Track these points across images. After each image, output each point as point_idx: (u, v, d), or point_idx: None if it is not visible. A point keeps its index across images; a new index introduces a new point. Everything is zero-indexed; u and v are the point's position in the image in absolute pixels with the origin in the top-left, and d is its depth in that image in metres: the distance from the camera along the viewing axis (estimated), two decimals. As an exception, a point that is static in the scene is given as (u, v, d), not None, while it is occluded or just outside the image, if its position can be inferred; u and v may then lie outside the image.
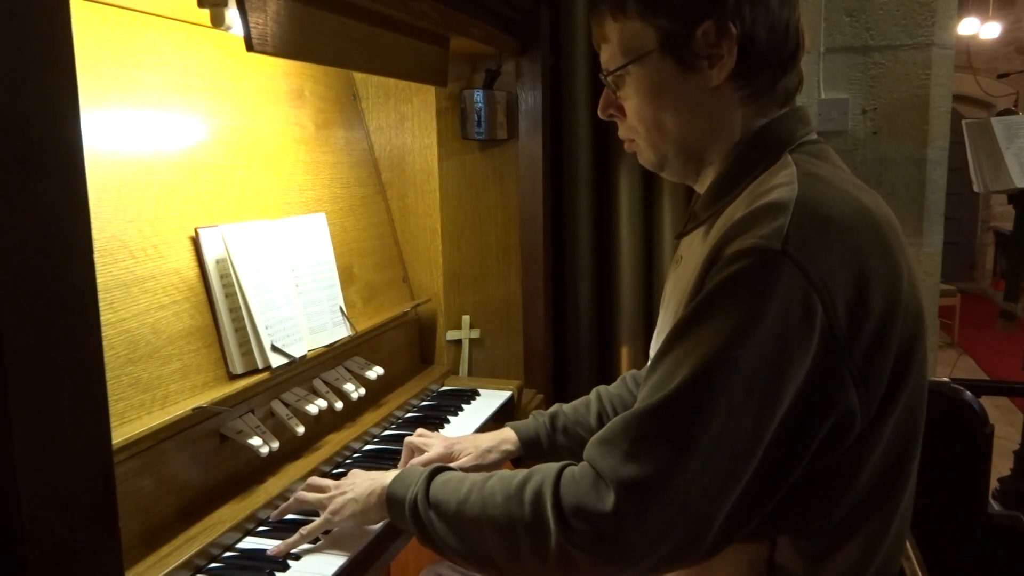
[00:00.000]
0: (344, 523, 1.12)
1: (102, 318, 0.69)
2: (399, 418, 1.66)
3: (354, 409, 1.55)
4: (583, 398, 1.40)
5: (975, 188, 2.91)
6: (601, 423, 1.31)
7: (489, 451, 1.30)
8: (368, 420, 1.56)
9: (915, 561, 1.12)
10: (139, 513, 1.07)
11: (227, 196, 1.37)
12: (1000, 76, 5.76)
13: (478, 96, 1.91)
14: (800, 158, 0.94)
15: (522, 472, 0.94)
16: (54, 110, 0.56)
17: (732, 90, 0.97)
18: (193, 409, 1.14)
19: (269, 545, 1.12)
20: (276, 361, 1.32)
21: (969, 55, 5.61)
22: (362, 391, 1.53)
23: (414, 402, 1.74)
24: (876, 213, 0.89)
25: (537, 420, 1.35)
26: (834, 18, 2.31)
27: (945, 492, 1.56)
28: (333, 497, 1.13)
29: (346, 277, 1.64)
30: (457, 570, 1.37)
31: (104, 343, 0.66)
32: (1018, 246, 3.12)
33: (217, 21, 1.15)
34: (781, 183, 0.88)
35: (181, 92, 1.31)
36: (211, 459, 1.21)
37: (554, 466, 0.91)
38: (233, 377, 1.27)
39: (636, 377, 1.41)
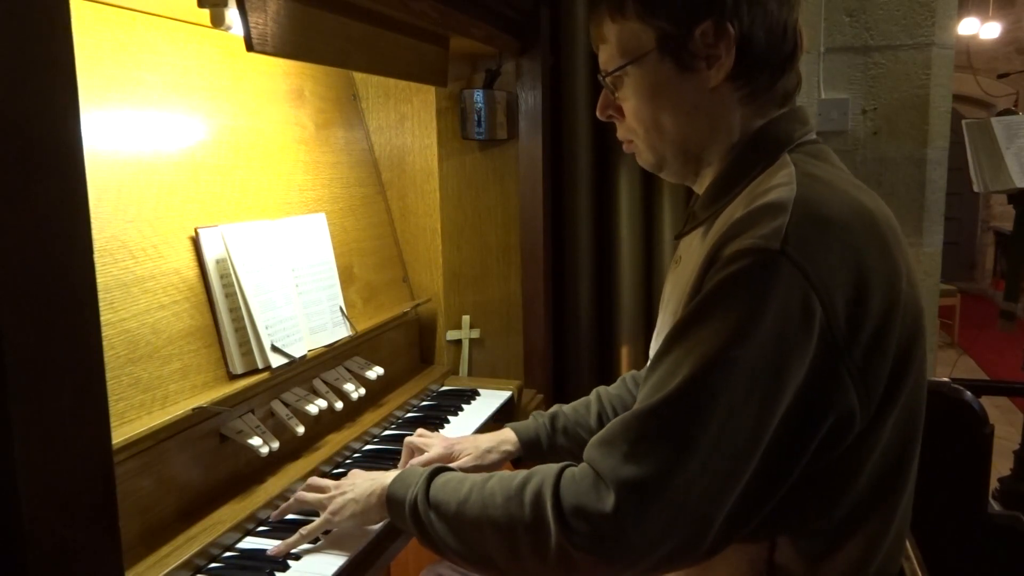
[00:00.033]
0: (344, 523, 1.12)
1: (102, 318, 0.69)
2: (399, 418, 1.66)
3: (354, 409, 1.55)
4: (583, 399, 1.40)
5: (975, 188, 2.91)
6: (601, 424, 1.31)
7: (489, 451, 1.30)
8: (368, 420, 1.56)
9: (915, 561, 1.12)
10: (139, 513, 1.07)
11: (227, 196, 1.37)
12: (1000, 76, 5.76)
13: (478, 96, 1.91)
14: (799, 158, 0.94)
15: (522, 473, 0.94)
16: (54, 110, 0.56)
17: (730, 90, 0.97)
18: (193, 409, 1.14)
19: (269, 545, 1.12)
20: (276, 361, 1.32)
21: (969, 55, 5.61)
22: (362, 391, 1.53)
23: (414, 402, 1.74)
24: (875, 213, 0.89)
25: (537, 421, 1.35)
26: (834, 18, 2.31)
27: (945, 492, 1.56)
28: (333, 497, 1.13)
29: (346, 277, 1.64)
30: (457, 570, 1.37)
31: (104, 343, 0.66)
32: (1018, 246, 3.12)
33: (217, 21, 1.15)
34: (780, 183, 0.88)
35: (181, 92, 1.31)
36: (211, 459, 1.21)
37: (554, 467, 0.91)
38: (233, 377, 1.27)
39: (636, 378, 1.41)
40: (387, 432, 1.59)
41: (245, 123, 1.46)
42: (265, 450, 1.25)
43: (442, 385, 1.90)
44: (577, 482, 0.86)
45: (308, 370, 1.46)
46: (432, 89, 1.88)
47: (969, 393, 1.57)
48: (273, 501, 1.22)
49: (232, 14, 1.12)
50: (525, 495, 0.89)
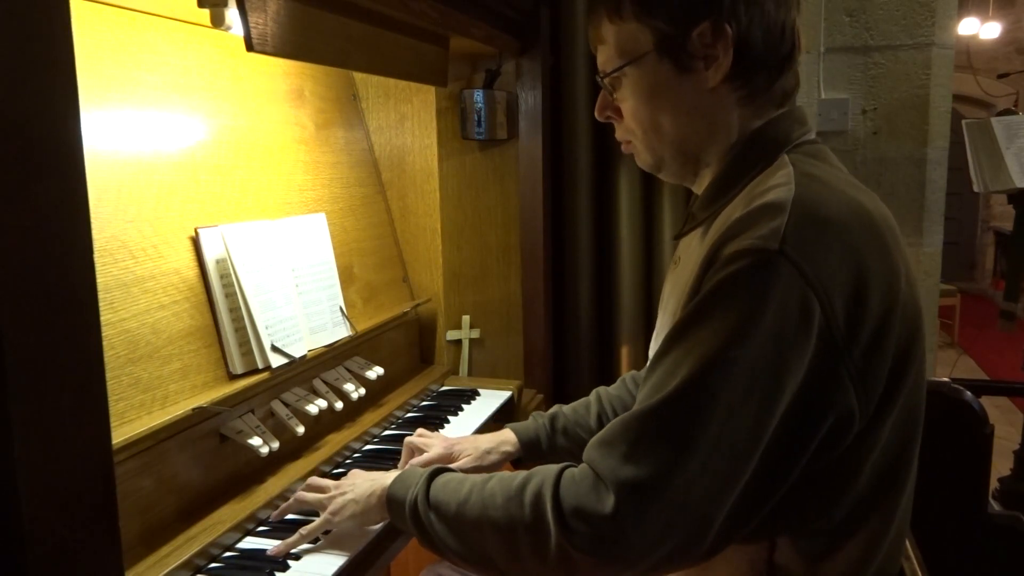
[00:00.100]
0: (344, 523, 1.12)
1: (102, 318, 0.69)
2: (399, 418, 1.66)
3: (354, 409, 1.55)
4: (583, 399, 1.40)
5: (975, 188, 2.91)
6: (601, 424, 1.31)
7: (489, 452, 1.30)
8: (368, 420, 1.56)
9: (915, 561, 1.12)
10: (139, 513, 1.07)
11: (227, 196, 1.37)
12: (1000, 76, 5.76)
13: (478, 96, 1.91)
14: (797, 158, 0.94)
15: (522, 474, 0.94)
16: (54, 110, 0.56)
17: (728, 91, 0.97)
18: (193, 409, 1.14)
19: (269, 545, 1.12)
20: (276, 361, 1.32)
21: (969, 55, 5.61)
22: (362, 391, 1.53)
23: (414, 402, 1.74)
24: (874, 213, 0.89)
25: (537, 421, 1.35)
26: (834, 18, 2.31)
27: (945, 492, 1.56)
28: (333, 497, 1.13)
29: (346, 277, 1.64)
30: (457, 570, 1.37)
31: (104, 343, 0.66)
32: (1018, 246, 3.13)
33: (217, 21, 1.15)
34: (778, 183, 0.88)
35: (181, 92, 1.31)
36: (211, 459, 1.21)
37: (554, 468, 0.91)
38: (233, 377, 1.27)
39: (636, 378, 1.41)
40: (387, 432, 1.59)
41: (245, 123, 1.46)
42: (265, 450, 1.25)
43: (442, 385, 1.90)
44: (577, 483, 0.86)
45: (308, 370, 1.46)
46: (432, 89, 1.88)
47: (969, 393, 1.57)
48: (273, 501, 1.22)
49: (232, 14, 1.12)
50: (525, 496, 0.89)
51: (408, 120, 1.90)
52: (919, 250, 2.34)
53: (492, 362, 2.08)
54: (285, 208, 1.52)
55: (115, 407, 1.04)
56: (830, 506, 0.89)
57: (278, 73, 1.58)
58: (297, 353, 1.38)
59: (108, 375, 0.83)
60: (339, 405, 1.45)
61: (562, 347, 2.28)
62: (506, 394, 1.83)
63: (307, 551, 1.10)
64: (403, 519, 1.03)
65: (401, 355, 1.85)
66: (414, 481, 1.03)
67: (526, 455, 1.33)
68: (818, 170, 0.92)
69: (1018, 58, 7.62)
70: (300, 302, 1.44)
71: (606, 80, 1.04)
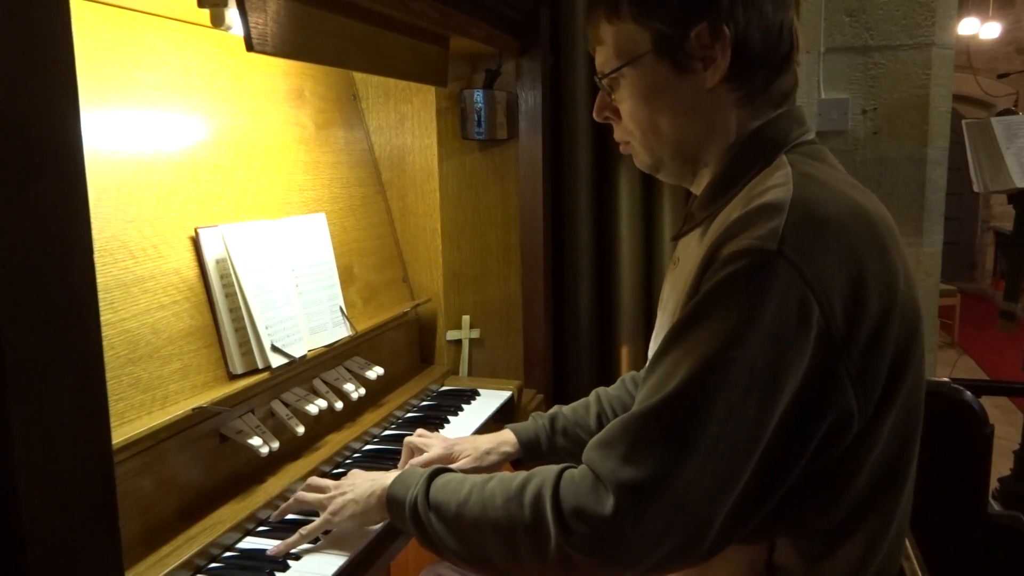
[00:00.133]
0: (344, 524, 1.12)
1: (102, 318, 0.69)
2: (399, 418, 1.66)
3: (354, 409, 1.55)
4: (583, 400, 1.40)
5: (975, 188, 2.91)
6: (601, 425, 1.31)
7: (488, 453, 1.30)
8: (368, 420, 1.56)
9: (915, 561, 1.12)
10: (139, 513, 1.07)
11: (227, 196, 1.37)
12: (1000, 76, 5.76)
13: (478, 96, 1.91)
14: (795, 159, 0.94)
15: (522, 474, 0.94)
16: (54, 110, 0.56)
17: (727, 92, 0.97)
18: (193, 409, 1.14)
19: (269, 545, 1.12)
20: (276, 361, 1.32)
21: (969, 55, 5.61)
22: (362, 391, 1.53)
23: (414, 402, 1.74)
24: (872, 213, 0.89)
25: (536, 422, 1.35)
26: (834, 18, 2.31)
27: (945, 492, 1.56)
28: (333, 497, 1.13)
29: (346, 277, 1.64)
30: (457, 571, 1.37)
31: (104, 343, 0.66)
32: (1018, 246, 3.13)
33: (217, 21, 1.15)
34: (776, 184, 0.88)
35: (181, 92, 1.31)
36: (211, 459, 1.21)
37: (554, 468, 0.91)
38: (233, 377, 1.27)
39: (636, 378, 1.41)
40: (387, 432, 1.59)
41: (245, 123, 1.46)
42: (265, 450, 1.25)
43: (442, 385, 1.90)
44: (576, 484, 0.86)
45: (308, 370, 1.46)
46: (432, 89, 1.88)
47: (969, 393, 1.57)
48: (273, 501, 1.22)
49: (232, 14, 1.12)
50: (525, 497, 0.89)
51: (408, 120, 1.90)
52: (919, 250, 2.34)
53: (492, 362, 2.08)
54: (285, 208, 1.52)
55: (115, 407, 1.04)
56: (829, 506, 0.89)
57: (278, 73, 1.58)
58: (297, 353, 1.38)
59: (108, 375, 0.83)
60: (339, 405, 1.45)
61: (562, 347, 2.28)
62: (506, 394, 1.83)
63: (307, 551, 1.11)
64: (403, 519, 1.03)
65: (401, 355, 1.85)
66: (414, 481, 1.03)
67: (526, 456, 1.33)
68: (816, 170, 0.92)
69: (1018, 58, 7.62)
70: (300, 302, 1.44)
71: (604, 81, 1.04)
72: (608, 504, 0.82)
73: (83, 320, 0.59)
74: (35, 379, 0.55)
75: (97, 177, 1.11)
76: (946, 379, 1.66)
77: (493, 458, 1.30)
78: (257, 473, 1.29)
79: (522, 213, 1.99)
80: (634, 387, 1.39)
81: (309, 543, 1.11)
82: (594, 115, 1.09)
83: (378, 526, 1.14)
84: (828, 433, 0.84)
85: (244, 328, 1.29)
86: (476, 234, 2.04)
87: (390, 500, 1.06)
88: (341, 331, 1.53)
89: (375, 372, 1.60)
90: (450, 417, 1.68)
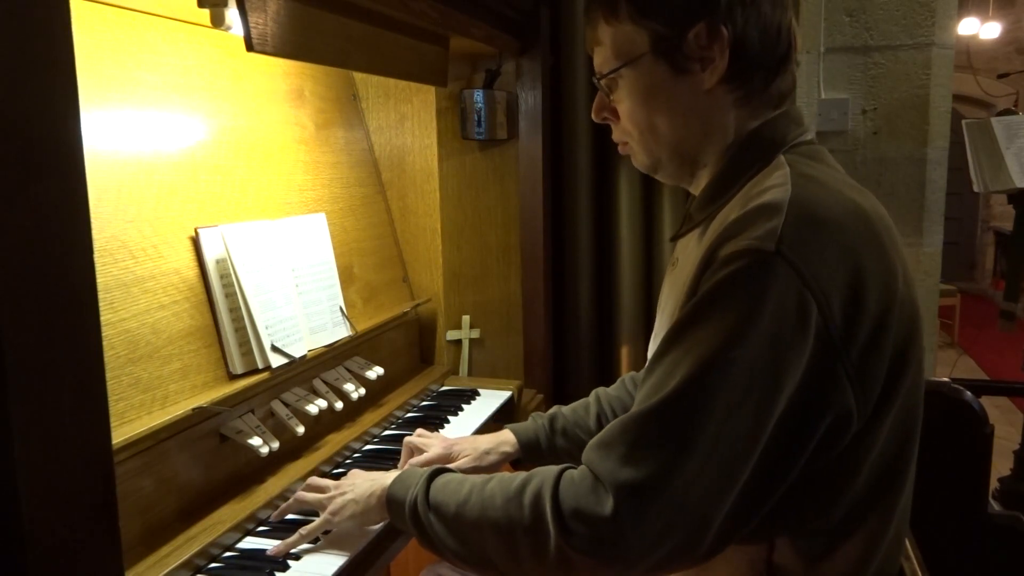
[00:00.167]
0: (344, 524, 1.12)
1: (102, 318, 0.69)
2: (399, 418, 1.66)
3: (354, 409, 1.55)
4: (582, 400, 1.40)
5: (975, 188, 2.91)
6: (600, 425, 1.31)
7: (487, 453, 1.30)
8: (368, 420, 1.56)
9: (915, 561, 1.12)
10: (139, 513, 1.07)
11: (227, 196, 1.37)
12: (1000, 76, 5.76)
13: (478, 96, 1.91)
14: (794, 159, 0.94)
15: (522, 475, 0.94)
16: (54, 110, 0.56)
17: (725, 92, 0.97)
18: (193, 409, 1.14)
19: (269, 545, 1.12)
20: (276, 361, 1.32)
21: (969, 55, 5.61)
22: (362, 391, 1.53)
23: (414, 402, 1.74)
24: (870, 213, 0.89)
25: (536, 422, 1.35)
26: (834, 18, 2.31)
27: (945, 492, 1.56)
28: (333, 497, 1.13)
29: (346, 277, 1.64)
30: (457, 571, 1.37)
31: (104, 343, 0.66)
32: (1018, 246, 3.13)
33: (217, 21, 1.15)
34: (775, 184, 0.88)
35: (181, 92, 1.31)
36: (211, 459, 1.21)
37: (553, 469, 0.91)
38: (233, 377, 1.27)
39: (635, 379, 1.41)
40: (387, 432, 1.59)
41: (245, 123, 1.46)
42: (265, 450, 1.25)
43: (442, 385, 1.90)
44: (576, 485, 0.86)
45: (308, 370, 1.46)
46: (432, 89, 1.88)
47: (969, 393, 1.57)
48: (273, 501, 1.22)
49: (232, 14, 1.12)
50: (524, 497, 0.89)
51: (408, 120, 1.91)
52: (919, 250, 2.34)
53: (492, 362, 2.08)
54: (285, 208, 1.52)
55: (115, 407, 1.04)
56: (829, 506, 0.89)
57: (278, 73, 1.58)
58: (297, 353, 1.38)
59: (108, 375, 0.83)
60: (339, 405, 1.45)
61: (562, 347, 2.28)
62: (506, 394, 1.83)
63: (307, 551, 1.11)
64: (403, 519, 1.03)
65: (401, 355, 1.85)
66: (414, 481, 1.03)
67: (525, 456, 1.33)
68: (814, 170, 0.92)
69: (1018, 58, 7.61)
70: (300, 302, 1.44)
71: (602, 82, 1.04)
72: (608, 505, 0.82)
73: (83, 320, 0.59)
74: (35, 379, 0.55)
75: (97, 177, 1.11)
76: (946, 379, 1.66)
77: (492, 458, 1.30)
78: (257, 473, 1.29)
79: (522, 213, 1.99)
80: (634, 387, 1.39)
81: (309, 543, 1.11)
82: (592, 116, 1.09)
83: (378, 526, 1.14)
84: (827, 433, 0.84)
85: (244, 328, 1.29)
86: (476, 234, 2.04)
87: (390, 500, 1.06)
88: (341, 331, 1.53)
89: (375, 372, 1.60)
90: (450, 417, 1.68)
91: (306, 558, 1.09)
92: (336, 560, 1.09)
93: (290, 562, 1.08)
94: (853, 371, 0.83)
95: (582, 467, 0.88)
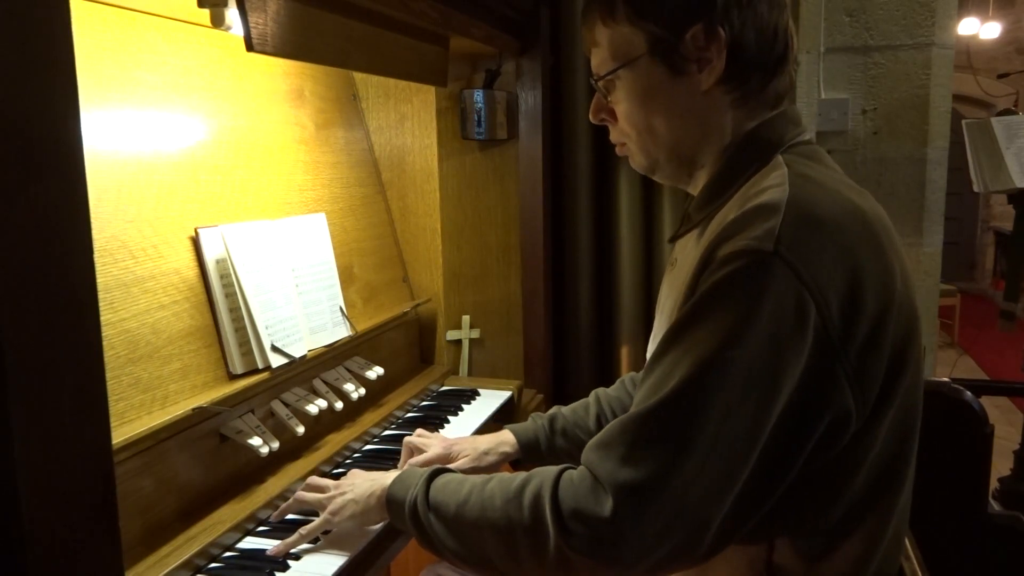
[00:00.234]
0: (344, 524, 1.12)
1: (102, 318, 0.69)
2: (399, 418, 1.66)
3: (354, 409, 1.55)
4: (582, 400, 1.40)
5: (975, 188, 2.91)
6: (600, 426, 1.31)
7: (487, 453, 1.30)
8: (368, 420, 1.56)
9: (915, 561, 1.12)
10: (139, 513, 1.07)
11: (227, 196, 1.37)
12: (1000, 76, 5.76)
13: (478, 96, 1.91)
14: (791, 159, 0.94)
15: (521, 475, 0.94)
16: (54, 110, 0.56)
17: (722, 93, 0.97)
18: (193, 409, 1.14)
19: (269, 545, 1.12)
20: (276, 361, 1.32)
21: (969, 55, 5.61)
22: (362, 391, 1.53)
23: (414, 402, 1.74)
24: (868, 213, 0.89)
25: (536, 423, 1.35)
26: (834, 18, 2.31)
27: (945, 492, 1.56)
28: (333, 497, 1.13)
29: (346, 277, 1.64)
30: (457, 571, 1.37)
31: (104, 343, 0.66)
32: (1018, 246, 3.12)
33: (217, 21, 1.15)
34: (772, 184, 0.88)
35: (181, 92, 1.31)
36: (211, 459, 1.21)
37: (553, 470, 0.91)
38: (233, 377, 1.27)
39: (635, 379, 1.41)
40: (387, 432, 1.59)
41: (245, 123, 1.46)
42: (265, 450, 1.25)
43: (442, 385, 1.90)
44: (575, 485, 0.86)
45: (308, 370, 1.46)
46: (432, 89, 1.88)
47: (969, 393, 1.57)
48: (273, 501, 1.22)
49: (232, 14, 1.12)
50: (524, 498, 0.89)
51: (408, 120, 1.91)
52: (919, 250, 2.34)
53: (492, 362, 2.08)
54: (285, 208, 1.52)
55: (115, 407, 1.04)
56: (828, 506, 0.89)
57: (278, 73, 1.58)
58: (297, 353, 1.38)
59: (108, 375, 0.83)
60: (339, 405, 1.45)
61: (562, 347, 2.28)
62: (506, 394, 1.83)
63: (307, 551, 1.11)
64: (403, 519, 1.03)
65: (401, 355, 1.85)
66: (414, 482, 1.03)
67: (525, 456, 1.33)
68: (812, 171, 0.92)
69: (1018, 58, 7.61)
70: (300, 302, 1.44)
71: (600, 83, 1.04)
72: (607, 505, 0.82)
73: (83, 320, 0.59)
74: (35, 379, 0.55)
75: (97, 177, 1.11)
76: (946, 379, 1.66)
77: (492, 458, 1.30)
78: (257, 473, 1.29)
79: (522, 213, 1.99)
80: (633, 388, 1.39)
81: (309, 543, 1.11)
82: (590, 117, 1.09)
83: (378, 526, 1.14)
84: (826, 433, 0.84)
85: (244, 328, 1.29)
86: (476, 234, 2.04)
87: (390, 500, 1.06)
88: (341, 331, 1.53)
89: (375, 372, 1.60)
90: (450, 417, 1.68)
91: (306, 558, 1.09)
92: (336, 560, 1.09)
93: (290, 562, 1.08)
94: (851, 371, 0.83)
95: (581, 468, 0.88)
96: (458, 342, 2.07)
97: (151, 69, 1.25)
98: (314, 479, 1.21)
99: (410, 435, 1.36)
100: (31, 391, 0.55)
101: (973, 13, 6.31)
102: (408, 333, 1.90)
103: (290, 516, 1.20)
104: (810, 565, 0.91)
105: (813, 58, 2.30)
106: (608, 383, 1.43)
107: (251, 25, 1.10)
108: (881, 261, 0.87)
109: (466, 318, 2.06)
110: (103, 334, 0.66)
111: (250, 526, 1.18)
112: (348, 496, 1.12)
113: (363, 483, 1.12)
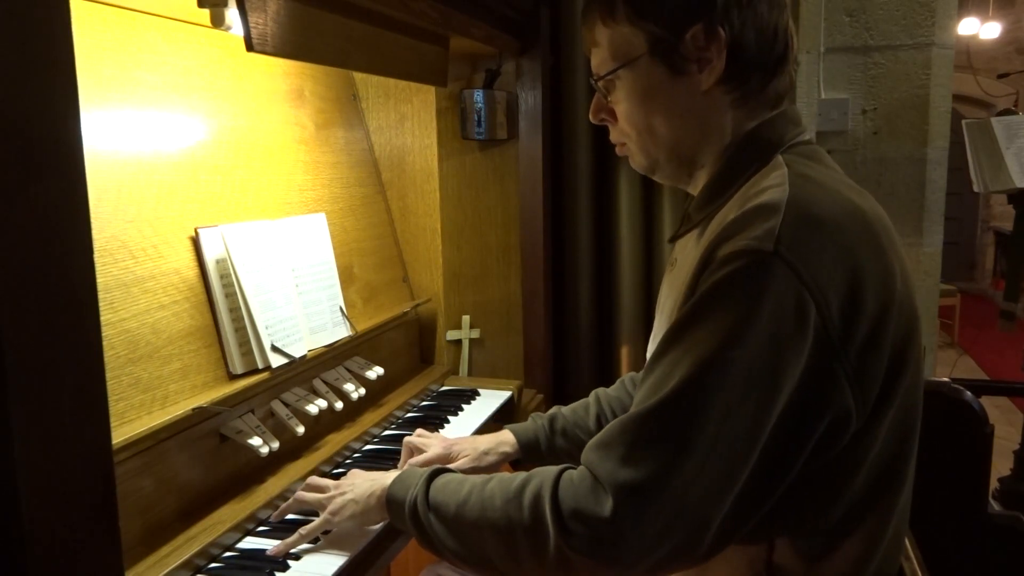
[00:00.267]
0: (344, 524, 1.12)
1: (102, 318, 0.69)
2: (399, 418, 1.66)
3: (354, 409, 1.55)
4: (582, 400, 1.40)
5: (975, 188, 2.91)
6: (600, 426, 1.31)
7: (487, 453, 1.30)
8: (368, 420, 1.56)
9: (915, 561, 1.12)
10: (139, 513, 1.07)
11: (227, 196, 1.37)
12: (1000, 76, 5.76)
13: (478, 96, 1.91)
14: (791, 159, 0.94)
15: (521, 475, 0.94)
16: (54, 110, 0.56)
17: (722, 93, 0.97)
18: (193, 409, 1.14)
19: (269, 545, 1.12)
20: (276, 361, 1.32)
21: (969, 55, 5.61)
22: (362, 391, 1.53)
23: (414, 402, 1.74)
24: (868, 213, 0.89)
25: (536, 423, 1.35)
26: (834, 18, 2.31)
27: (945, 492, 1.56)
28: (333, 497, 1.13)
29: (346, 277, 1.64)
30: (457, 571, 1.37)
31: (104, 343, 0.66)
32: (1018, 246, 3.12)
33: (217, 21, 1.15)
34: (772, 184, 0.88)
35: (181, 92, 1.31)
36: (211, 459, 1.21)
37: (553, 470, 0.91)
38: (233, 377, 1.27)
39: (635, 379, 1.41)
40: (387, 432, 1.59)
41: (245, 123, 1.46)
42: (265, 450, 1.25)
43: (442, 385, 1.90)
44: (575, 485, 0.86)
45: (308, 370, 1.46)
46: (432, 89, 1.88)
47: (969, 393, 1.57)
48: (273, 501, 1.22)
49: (232, 14, 1.12)
50: (524, 498, 0.89)
51: (408, 120, 1.91)
52: (919, 250, 2.34)
53: (492, 362, 2.09)
54: (285, 208, 1.52)
55: (115, 407, 1.04)
56: (828, 506, 0.89)
57: (278, 73, 1.58)
58: (297, 353, 1.38)
59: (108, 375, 0.83)
60: (339, 405, 1.45)
61: (562, 347, 2.28)
62: (506, 394, 1.83)
63: (307, 551, 1.11)
64: (402, 520, 1.03)
65: (401, 355, 1.85)
66: (414, 482, 1.03)
67: (525, 456, 1.33)
68: (812, 171, 0.92)
69: (1018, 58, 7.61)
70: (300, 302, 1.44)
71: (600, 83, 1.04)
72: (607, 506, 0.82)
73: (83, 320, 0.59)
74: (35, 379, 0.55)
75: (97, 177, 1.11)
76: (946, 379, 1.66)
77: (491, 458, 1.30)
78: (257, 473, 1.29)
79: (522, 213, 1.99)
80: (633, 388, 1.39)
81: (309, 543, 1.11)
82: (590, 117, 1.09)
83: (378, 526, 1.14)
84: (826, 433, 0.84)
85: (244, 328, 1.29)
86: (476, 234, 2.04)
87: (390, 500, 1.06)
88: (341, 331, 1.54)
89: (375, 372, 1.60)
90: (450, 417, 1.68)
91: (306, 558, 1.09)
92: (336, 560, 1.09)
93: (290, 562, 1.08)
94: (851, 371, 0.83)
95: (581, 468, 0.88)
96: (458, 342, 2.07)
97: (151, 69, 1.25)
98: (314, 479, 1.21)
99: (410, 435, 1.36)
100: (31, 391, 0.55)
101: (973, 13, 6.31)
102: (408, 333, 1.90)
103: (290, 516, 1.20)
104: (810, 565, 0.91)
105: (813, 58, 2.30)
106: (608, 383, 1.43)
107: (251, 25, 1.10)
108: (881, 261, 0.87)
109: (466, 318, 2.06)
110: (103, 334, 0.66)
111: (250, 526, 1.18)
112: (348, 496, 1.12)
113: (363, 483, 1.12)
